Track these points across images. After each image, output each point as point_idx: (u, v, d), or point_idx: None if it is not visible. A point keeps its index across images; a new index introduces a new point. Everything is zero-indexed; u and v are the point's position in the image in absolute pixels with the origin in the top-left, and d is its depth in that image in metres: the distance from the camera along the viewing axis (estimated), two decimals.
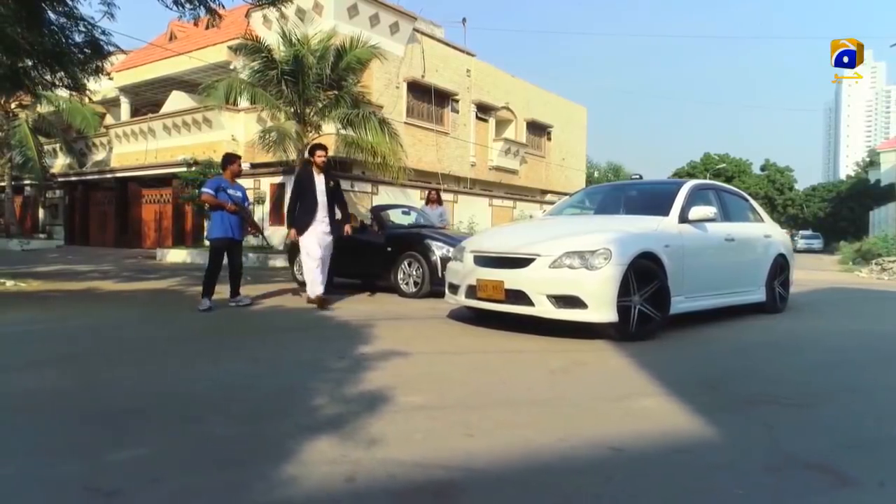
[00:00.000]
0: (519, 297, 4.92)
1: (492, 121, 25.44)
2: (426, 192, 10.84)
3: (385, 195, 19.16)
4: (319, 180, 6.93)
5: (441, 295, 8.00)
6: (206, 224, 19.73)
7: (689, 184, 6.07)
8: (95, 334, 5.10)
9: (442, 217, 10.14)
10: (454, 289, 5.66)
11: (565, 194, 30.57)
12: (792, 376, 3.84)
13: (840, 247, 34.26)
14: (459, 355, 4.38)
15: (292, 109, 15.03)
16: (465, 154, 23.83)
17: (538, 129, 28.33)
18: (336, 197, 7.09)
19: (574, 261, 4.78)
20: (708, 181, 6.76)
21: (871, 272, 14.51)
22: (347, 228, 7.32)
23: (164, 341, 4.81)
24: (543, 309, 4.82)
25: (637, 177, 9.23)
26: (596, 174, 44.30)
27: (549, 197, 29.46)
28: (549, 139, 29.14)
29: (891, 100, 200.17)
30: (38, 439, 2.55)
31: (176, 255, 16.85)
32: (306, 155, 6.46)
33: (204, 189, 6.79)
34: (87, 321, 5.75)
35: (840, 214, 57.17)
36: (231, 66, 20.23)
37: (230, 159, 6.93)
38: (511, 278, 4.96)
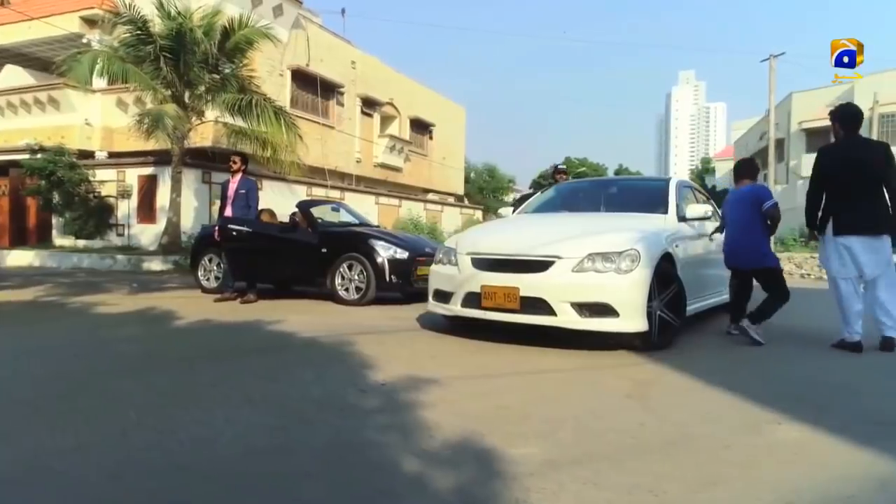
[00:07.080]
0: (537, 305, 4.27)
1: (377, 116, 24.51)
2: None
3: (270, 191, 17.60)
4: None
5: (386, 301, 7.18)
6: (53, 221, 16.85)
7: (675, 180, 5.82)
8: None
9: None
10: (444, 297, 4.87)
11: (446, 193, 30.77)
12: (875, 388, 3.56)
13: None
14: (499, 379, 3.63)
15: (170, 92, 13.14)
16: (350, 150, 22.72)
17: (421, 127, 27.88)
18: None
19: (600, 263, 4.23)
20: (684, 179, 6.56)
21: None
22: None
23: (104, 377, 3.52)
24: (567, 319, 4.22)
25: (563, 167, 8.96)
26: (472, 174, 44.75)
27: (430, 196, 29.10)
28: (431, 138, 28.79)
29: (710, 115, 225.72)
30: None
31: (20, 258, 14.18)
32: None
33: None
34: None
35: None
36: (84, 40, 17.48)
37: None
38: (528, 284, 4.30)
